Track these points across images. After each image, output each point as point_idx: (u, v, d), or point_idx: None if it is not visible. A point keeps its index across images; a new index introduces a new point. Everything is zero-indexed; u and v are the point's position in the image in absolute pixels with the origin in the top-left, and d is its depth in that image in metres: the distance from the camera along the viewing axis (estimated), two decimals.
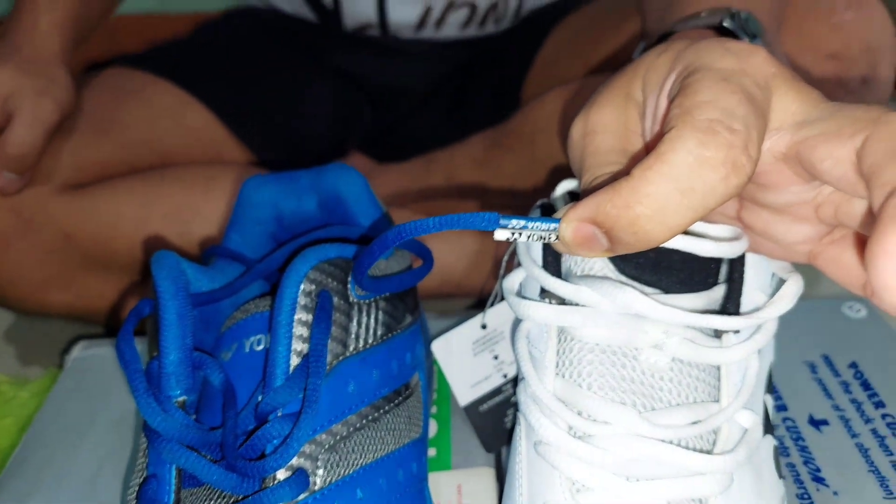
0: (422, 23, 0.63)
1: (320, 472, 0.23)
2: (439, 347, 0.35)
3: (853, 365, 0.40)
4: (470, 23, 0.64)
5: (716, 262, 0.27)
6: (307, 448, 0.23)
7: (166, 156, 0.54)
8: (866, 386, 0.39)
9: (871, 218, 0.18)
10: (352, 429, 0.25)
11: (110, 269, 0.50)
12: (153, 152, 0.53)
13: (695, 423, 0.25)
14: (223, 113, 0.57)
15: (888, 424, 0.36)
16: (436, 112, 0.67)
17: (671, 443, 0.24)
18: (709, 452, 0.25)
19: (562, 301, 0.27)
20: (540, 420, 0.25)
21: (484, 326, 0.35)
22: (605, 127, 0.24)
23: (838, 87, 0.48)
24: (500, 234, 0.21)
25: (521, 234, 0.21)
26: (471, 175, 0.58)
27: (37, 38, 0.49)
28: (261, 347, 0.26)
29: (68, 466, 0.35)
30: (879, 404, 0.38)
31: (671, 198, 0.19)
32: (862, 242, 0.23)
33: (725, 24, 0.33)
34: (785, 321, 0.43)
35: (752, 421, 0.26)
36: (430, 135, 0.65)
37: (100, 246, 0.49)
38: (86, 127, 0.51)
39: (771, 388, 0.30)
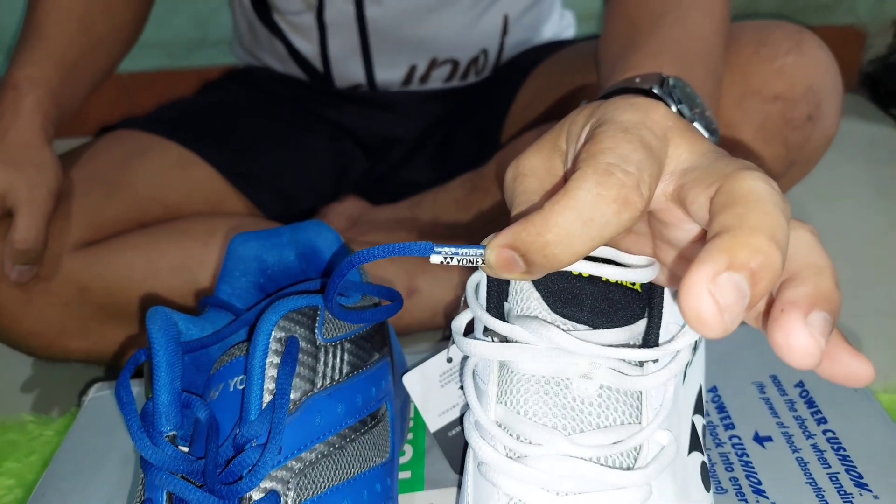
0: (407, 80, 0.68)
1: (291, 493, 0.27)
2: (410, 380, 0.38)
3: (800, 384, 0.43)
4: (453, 77, 0.69)
5: (639, 301, 0.31)
6: (279, 473, 0.27)
7: (172, 209, 0.59)
8: (811, 403, 0.42)
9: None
10: (319, 455, 0.29)
11: (123, 318, 0.55)
12: (160, 206, 0.59)
13: (617, 442, 0.28)
14: (224, 168, 0.62)
15: (828, 439, 0.39)
16: (423, 157, 0.72)
17: (596, 461, 0.28)
18: (631, 468, 0.28)
19: (503, 339, 0.30)
20: (480, 444, 0.29)
21: (450, 360, 0.39)
22: (533, 171, 0.27)
23: (784, 125, 0.52)
24: (435, 259, 0.24)
25: (452, 258, 0.24)
26: (453, 215, 0.62)
27: (21, 119, 0.51)
28: (243, 387, 0.30)
29: (84, 498, 0.39)
30: (822, 420, 0.41)
31: (574, 227, 0.22)
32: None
33: (654, 90, 0.37)
34: (736, 345, 0.46)
35: (668, 439, 0.29)
36: (418, 178, 0.70)
37: (113, 297, 0.53)
38: (97, 188, 0.56)
39: (702, 409, 0.34)
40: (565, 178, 0.28)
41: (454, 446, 0.38)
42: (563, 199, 0.22)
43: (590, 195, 0.22)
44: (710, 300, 0.18)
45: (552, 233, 0.22)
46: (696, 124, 0.36)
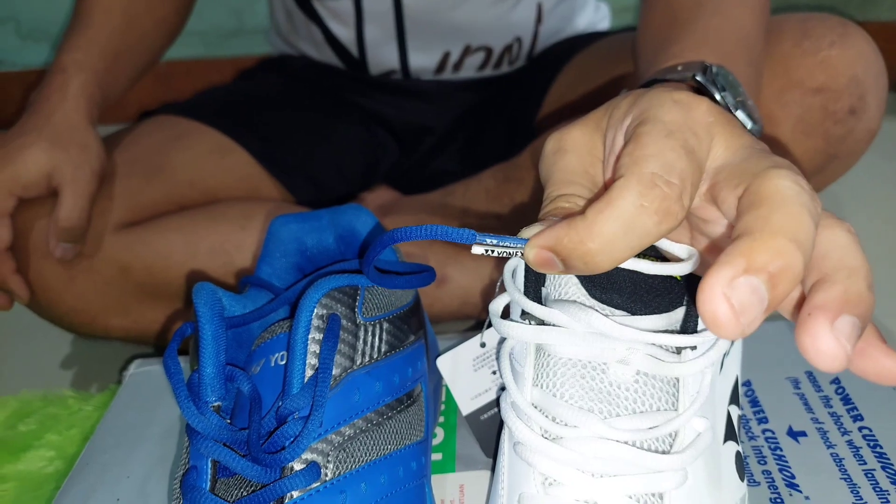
0: (441, 67, 0.69)
1: (330, 465, 0.28)
2: (444, 363, 0.39)
3: (836, 381, 0.43)
4: (486, 65, 0.70)
5: (678, 289, 0.31)
6: (320, 445, 0.28)
7: (210, 194, 0.60)
8: (847, 400, 0.41)
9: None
10: (358, 431, 0.29)
11: (162, 298, 0.56)
12: (198, 191, 0.60)
13: (653, 427, 0.28)
14: (260, 155, 0.63)
15: (864, 436, 0.39)
16: (455, 148, 0.72)
17: (632, 444, 0.28)
18: (666, 453, 0.29)
19: (540, 322, 0.31)
20: (517, 424, 0.29)
21: (483, 345, 0.39)
22: (575, 147, 0.28)
23: (826, 118, 0.51)
24: (477, 249, 0.25)
25: (493, 249, 0.25)
26: (485, 205, 0.63)
27: (67, 101, 0.53)
28: (284, 362, 0.30)
29: (124, 470, 0.40)
30: (858, 417, 0.40)
31: (616, 236, 0.22)
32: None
33: (697, 78, 0.37)
34: (771, 341, 0.46)
35: (704, 426, 0.29)
36: (449, 169, 0.71)
37: (152, 277, 0.55)
38: (138, 171, 0.57)
39: (737, 400, 0.34)
40: (605, 186, 0.28)
41: (485, 429, 0.39)
42: (607, 209, 0.23)
43: (632, 207, 0.22)
44: (725, 304, 0.18)
45: (594, 242, 0.23)
46: (739, 112, 0.36)
